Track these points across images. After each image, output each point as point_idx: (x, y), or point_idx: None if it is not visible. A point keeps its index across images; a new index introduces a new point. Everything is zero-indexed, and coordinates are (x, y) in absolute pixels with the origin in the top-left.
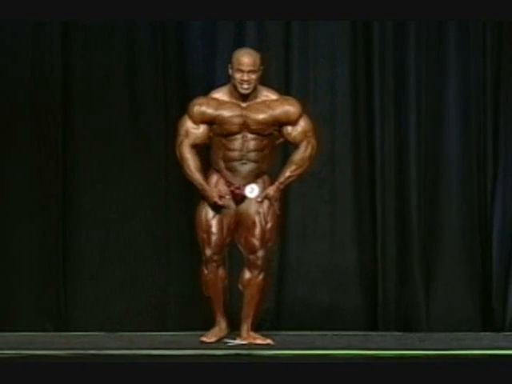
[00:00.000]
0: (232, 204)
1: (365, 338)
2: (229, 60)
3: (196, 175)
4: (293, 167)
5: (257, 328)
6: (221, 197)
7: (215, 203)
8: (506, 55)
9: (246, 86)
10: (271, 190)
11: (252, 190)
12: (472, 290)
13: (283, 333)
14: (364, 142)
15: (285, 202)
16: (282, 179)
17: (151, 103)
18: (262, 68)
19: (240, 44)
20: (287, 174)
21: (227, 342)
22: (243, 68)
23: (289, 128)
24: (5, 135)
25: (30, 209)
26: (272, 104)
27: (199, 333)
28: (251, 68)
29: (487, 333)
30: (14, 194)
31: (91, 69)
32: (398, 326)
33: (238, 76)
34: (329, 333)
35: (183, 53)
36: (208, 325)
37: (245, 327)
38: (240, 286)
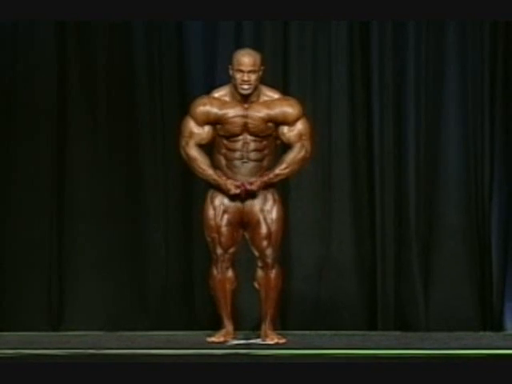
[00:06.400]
0: (237, 202)
1: (364, 337)
2: (228, 61)
3: (209, 171)
4: (283, 166)
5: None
6: (237, 186)
7: (234, 194)
8: (503, 55)
9: (246, 87)
10: (254, 186)
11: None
12: (471, 290)
13: (282, 333)
14: (362, 143)
15: (283, 201)
16: (269, 175)
17: (148, 103)
18: (262, 68)
19: (239, 44)
20: (276, 171)
21: (228, 342)
22: (243, 68)
23: (285, 128)
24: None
25: (27, 207)
26: (272, 104)
27: (199, 332)
28: (251, 68)
29: (487, 332)
30: (9, 192)
31: (87, 68)
32: (397, 325)
33: (238, 76)
34: (328, 332)
35: (181, 53)
36: (208, 324)
37: (263, 326)
38: (256, 285)
